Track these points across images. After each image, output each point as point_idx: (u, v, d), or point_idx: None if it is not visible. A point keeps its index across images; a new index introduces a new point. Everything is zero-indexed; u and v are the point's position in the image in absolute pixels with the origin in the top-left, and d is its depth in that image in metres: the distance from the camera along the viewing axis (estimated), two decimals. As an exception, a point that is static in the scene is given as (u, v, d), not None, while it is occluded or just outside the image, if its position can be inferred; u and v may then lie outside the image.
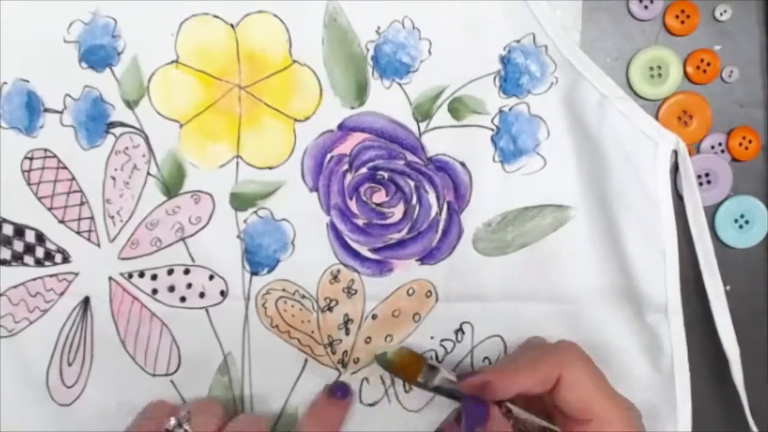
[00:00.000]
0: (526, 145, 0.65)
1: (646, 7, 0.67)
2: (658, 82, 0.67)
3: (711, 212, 0.68)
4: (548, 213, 0.66)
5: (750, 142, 0.68)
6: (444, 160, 0.65)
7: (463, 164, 0.66)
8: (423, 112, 0.65)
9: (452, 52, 0.65)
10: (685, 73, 0.67)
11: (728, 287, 0.68)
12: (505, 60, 0.65)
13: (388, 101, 0.66)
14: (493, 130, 0.65)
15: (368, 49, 0.65)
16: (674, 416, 0.66)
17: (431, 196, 0.66)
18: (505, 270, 0.66)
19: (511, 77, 0.65)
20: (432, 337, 0.67)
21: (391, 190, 0.66)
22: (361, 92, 0.65)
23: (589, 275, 0.66)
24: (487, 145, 0.65)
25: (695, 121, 0.67)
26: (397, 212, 0.66)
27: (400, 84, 0.65)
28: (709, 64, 0.67)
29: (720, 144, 0.68)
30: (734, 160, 0.69)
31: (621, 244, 0.65)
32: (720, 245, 0.69)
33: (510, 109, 0.65)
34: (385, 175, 0.65)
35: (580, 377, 0.56)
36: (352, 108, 0.65)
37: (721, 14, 0.66)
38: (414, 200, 0.66)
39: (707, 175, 0.68)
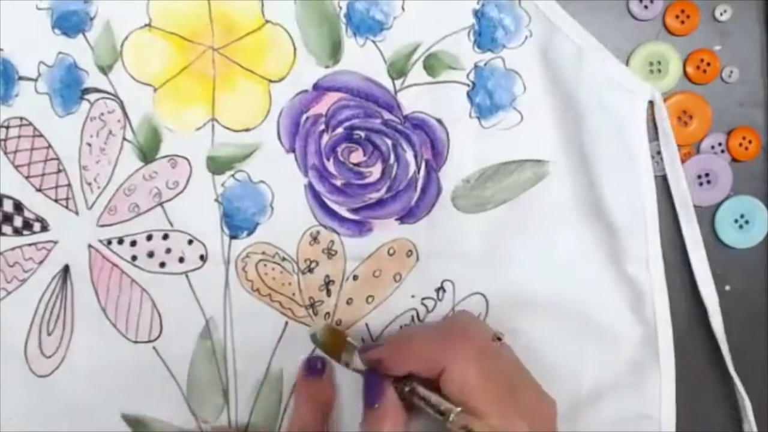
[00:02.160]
0: (503, 101, 0.65)
1: (646, 7, 0.67)
2: (657, 77, 0.67)
3: (711, 212, 0.68)
4: (527, 168, 0.65)
5: (750, 142, 0.68)
6: (420, 117, 0.65)
7: (439, 121, 0.65)
8: (398, 69, 0.65)
9: (425, 7, 0.65)
10: (685, 73, 0.67)
11: (728, 287, 0.68)
12: (478, 14, 0.64)
13: (362, 59, 0.65)
14: (468, 85, 0.65)
15: (341, 7, 0.64)
16: (658, 367, 0.65)
17: (409, 155, 0.65)
18: (486, 226, 0.66)
19: (485, 31, 0.64)
20: (413, 296, 0.67)
21: (368, 150, 0.65)
22: (335, 51, 0.65)
23: (570, 229, 0.66)
24: (463, 101, 0.65)
25: (695, 121, 0.67)
26: (375, 171, 0.66)
27: (374, 42, 0.65)
28: (709, 64, 0.67)
29: (720, 144, 0.68)
30: (734, 160, 0.68)
31: (600, 196, 0.65)
32: (720, 245, 0.69)
33: (485, 64, 0.65)
34: (362, 134, 0.65)
35: (464, 373, 0.54)
36: (327, 67, 0.65)
37: (721, 14, 0.66)
38: (392, 159, 0.65)
39: (707, 175, 0.68)
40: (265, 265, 0.66)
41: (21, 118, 0.66)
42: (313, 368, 0.66)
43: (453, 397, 0.55)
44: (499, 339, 0.59)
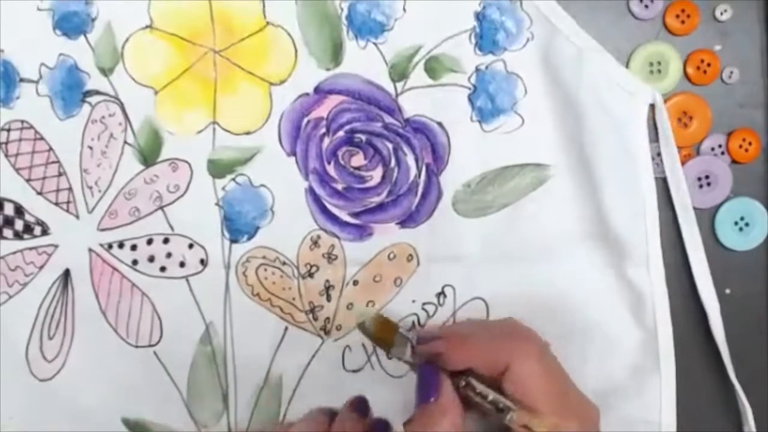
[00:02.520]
0: (504, 104, 0.65)
1: (646, 6, 0.67)
2: (657, 78, 0.66)
3: (711, 214, 0.68)
4: (528, 172, 0.65)
5: (750, 144, 0.67)
6: (421, 121, 0.65)
7: (440, 125, 0.65)
8: (399, 72, 0.65)
9: (427, 9, 0.64)
10: (686, 74, 0.67)
11: (728, 290, 0.68)
12: (480, 16, 0.64)
13: (363, 62, 0.65)
14: (470, 89, 0.65)
15: (342, 9, 0.64)
16: (658, 370, 0.65)
17: (409, 159, 0.65)
18: (486, 231, 0.66)
19: (486, 34, 0.64)
20: (414, 301, 0.67)
21: (369, 153, 0.65)
22: (336, 53, 0.65)
23: (571, 233, 0.66)
24: (464, 104, 0.65)
25: (695, 122, 0.67)
26: (376, 176, 0.66)
27: (375, 44, 0.65)
28: (709, 65, 0.67)
29: (720, 146, 0.68)
30: (734, 161, 0.68)
31: (601, 199, 0.64)
32: (720, 248, 0.68)
33: (487, 67, 0.65)
34: (363, 137, 0.65)
35: (528, 372, 0.54)
36: (328, 69, 0.65)
37: (721, 14, 0.66)
38: (392, 163, 0.65)
39: (707, 177, 0.67)
40: (265, 269, 0.66)
41: (22, 121, 0.66)
42: (361, 408, 0.63)
43: (513, 395, 0.54)
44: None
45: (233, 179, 0.66)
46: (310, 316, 0.66)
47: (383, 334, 0.61)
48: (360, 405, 0.61)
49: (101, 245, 0.66)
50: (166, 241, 0.66)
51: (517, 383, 0.54)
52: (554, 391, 0.55)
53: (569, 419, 0.54)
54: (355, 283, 0.66)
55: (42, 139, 0.66)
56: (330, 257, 0.66)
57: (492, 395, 0.55)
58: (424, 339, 0.58)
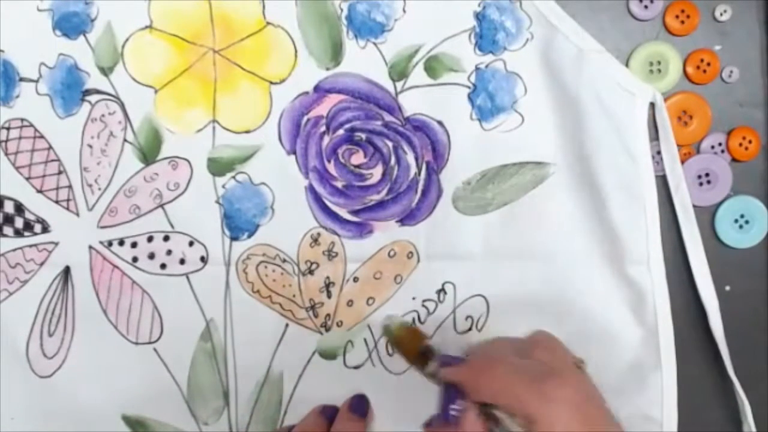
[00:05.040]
0: (504, 103, 0.65)
1: (646, 7, 0.67)
2: (657, 78, 0.66)
3: (711, 212, 0.68)
4: (528, 170, 0.65)
5: (750, 142, 0.68)
6: (421, 119, 0.65)
7: (440, 123, 0.65)
8: (399, 71, 0.65)
9: (426, 9, 0.64)
10: (685, 73, 0.67)
11: (728, 287, 0.68)
12: (480, 16, 0.64)
13: (363, 61, 0.65)
14: (470, 87, 0.65)
15: (342, 9, 0.64)
16: (659, 368, 0.65)
17: (410, 157, 0.65)
18: (486, 228, 0.66)
19: (486, 34, 0.64)
20: (414, 298, 0.67)
21: (369, 152, 0.65)
22: (336, 53, 0.65)
23: (571, 231, 0.66)
24: (464, 103, 0.65)
25: (695, 121, 0.67)
26: (376, 173, 0.66)
27: (375, 44, 0.65)
28: (709, 64, 0.67)
29: (720, 144, 0.68)
30: (734, 160, 0.68)
31: (601, 198, 0.64)
32: (720, 245, 0.68)
33: (486, 66, 0.65)
34: (363, 136, 0.65)
35: (559, 423, 0.49)
36: (328, 69, 0.65)
37: (721, 14, 0.66)
38: (392, 161, 0.65)
39: (707, 175, 0.68)
40: (265, 266, 0.66)
41: (22, 120, 0.66)
42: (359, 408, 0.64)
43: None
44: (579, 367, 0.55)
45: (233, 177, 0.66)
46: (311, 312, 0.66)
47: (408, 341, 0.61)
48: (358, 405, 0.62)
49: (101, 243, 0.66)
50: (166, 238, 0.66)
51: None
52: None
53: None
54: (356, 279, 0.66)
55: (42, 137, 0.66)
56: (330, 254, 0.66)
57: (517, 429, 0.51)
58: (446, 362, 0.55)
